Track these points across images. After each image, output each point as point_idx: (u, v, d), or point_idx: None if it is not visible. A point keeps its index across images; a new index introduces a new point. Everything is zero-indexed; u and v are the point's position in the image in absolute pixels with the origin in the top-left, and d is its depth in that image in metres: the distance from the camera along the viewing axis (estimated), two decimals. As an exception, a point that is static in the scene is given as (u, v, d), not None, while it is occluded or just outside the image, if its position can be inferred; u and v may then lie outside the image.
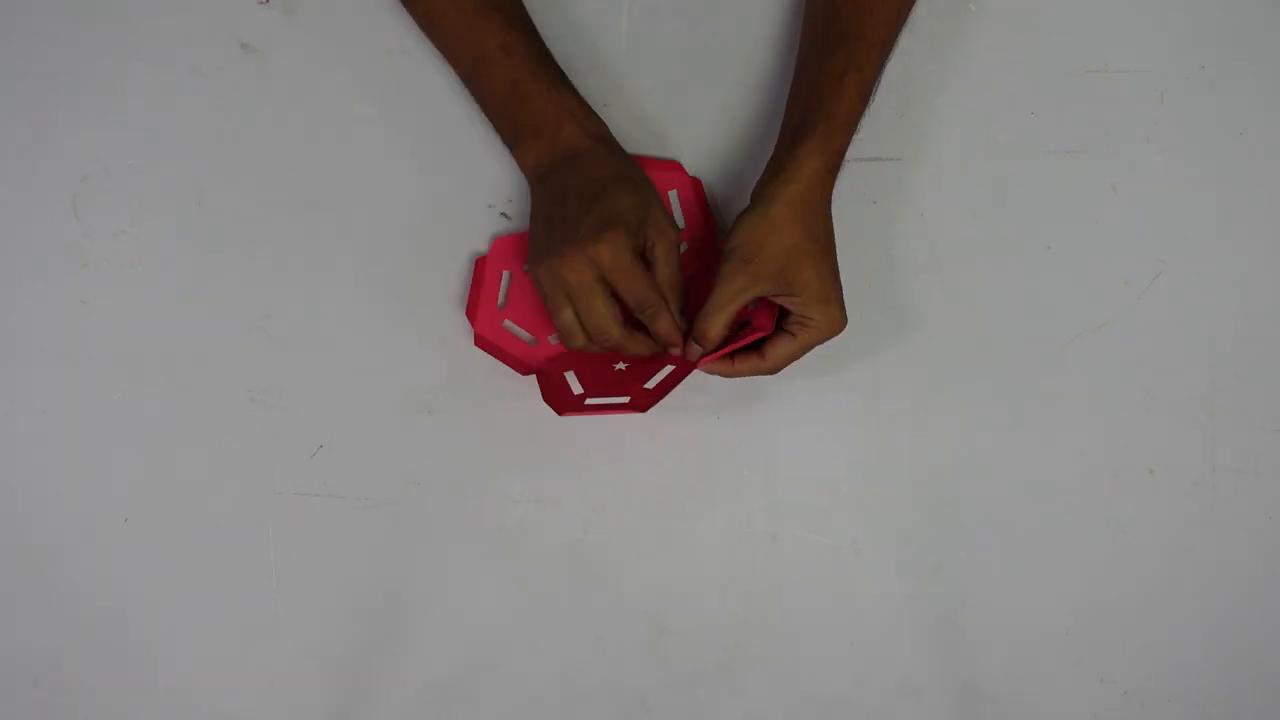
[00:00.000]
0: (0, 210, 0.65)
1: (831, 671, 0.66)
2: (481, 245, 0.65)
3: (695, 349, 0.59)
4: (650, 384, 0.60)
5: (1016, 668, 0.66)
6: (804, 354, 0.59)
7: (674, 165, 0.65)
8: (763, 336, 0.58)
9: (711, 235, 0.64)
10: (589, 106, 0.61)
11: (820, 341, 0.58)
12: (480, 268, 0.64)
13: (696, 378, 0.62)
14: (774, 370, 0.59)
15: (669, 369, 0.60)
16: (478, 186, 0.65)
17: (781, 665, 0.66)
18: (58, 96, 0.65)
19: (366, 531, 0.65)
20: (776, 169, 0.57)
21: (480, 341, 0.64)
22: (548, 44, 0.63)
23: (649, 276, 0.56)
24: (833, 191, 0.58)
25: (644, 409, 0.60)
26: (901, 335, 0.66)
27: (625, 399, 0.60)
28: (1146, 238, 0.67)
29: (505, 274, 0.64)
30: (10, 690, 0.65)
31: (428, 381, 0.66)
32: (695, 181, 0.65)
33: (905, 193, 0.66)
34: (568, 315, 0.56)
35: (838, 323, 0.57)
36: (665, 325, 0.57)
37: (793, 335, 0.58)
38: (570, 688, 0.66)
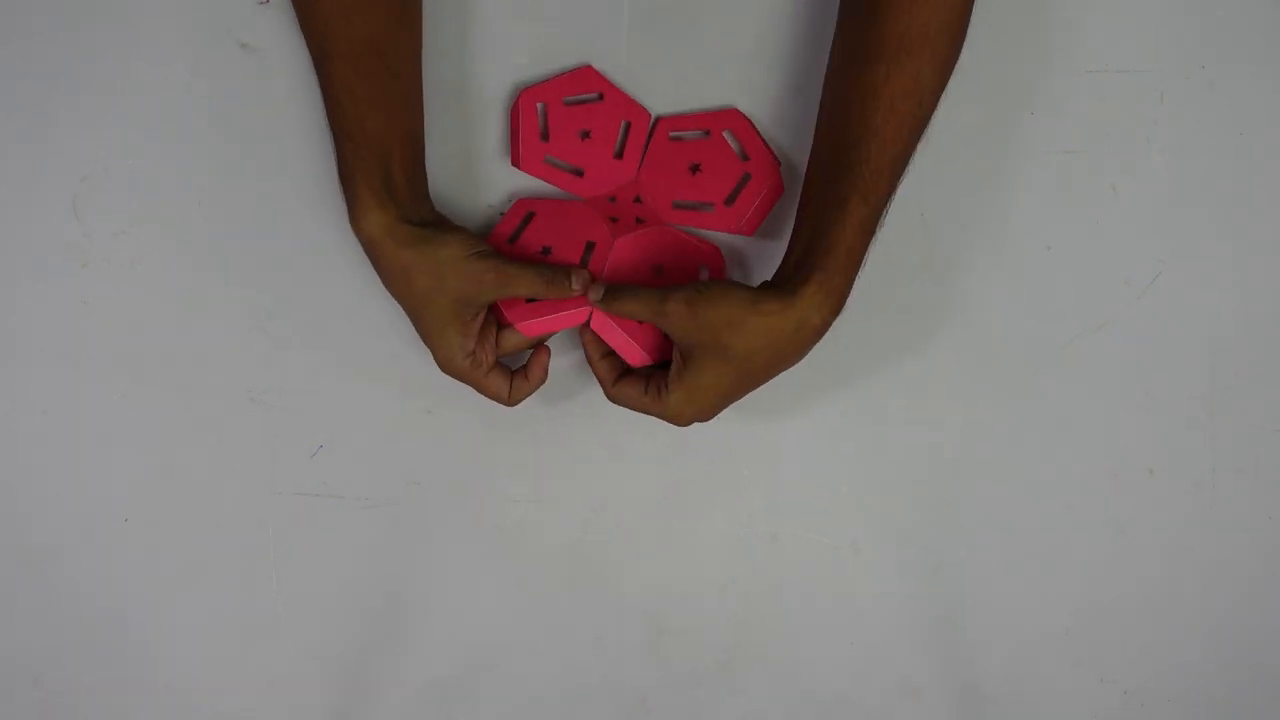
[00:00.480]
0: (0, 210, 0.65)
1: (831, 671, 0.66)
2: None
3: (597, 289, 0.58)
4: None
5: (1016, 668, 0.66)
6: (638, 411, 0.59)
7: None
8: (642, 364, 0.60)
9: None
10: (383, 178, 0.57)
11: (656, 415, 0.58)
12: (515, 115, 0.64)
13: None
14: (611, 395, 0.60)
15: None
16: (477, 187, 0.65)
17: (781, 665, 0.66)
18: (58, 96, 0.65)
19: (366, 531, 0.65)
20: (784, 287, 0.55)
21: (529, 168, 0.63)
22: (547, 43, 0.63)
23: (491, 384, 0.59)
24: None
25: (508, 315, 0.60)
26: (901, 335, 0.66)
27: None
28: (1146, 238, 0.67)
29: (540, 106, 0.64)
30: (10, 690, 0.65)
31: (428, 381, 0.66)
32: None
33: (905, 193, 0.66)
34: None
35: (680, 419, 0.58)
36: (562, 289, 0.58)
37: (643, 391, 0.58)
38: (570, 688, 0.66)
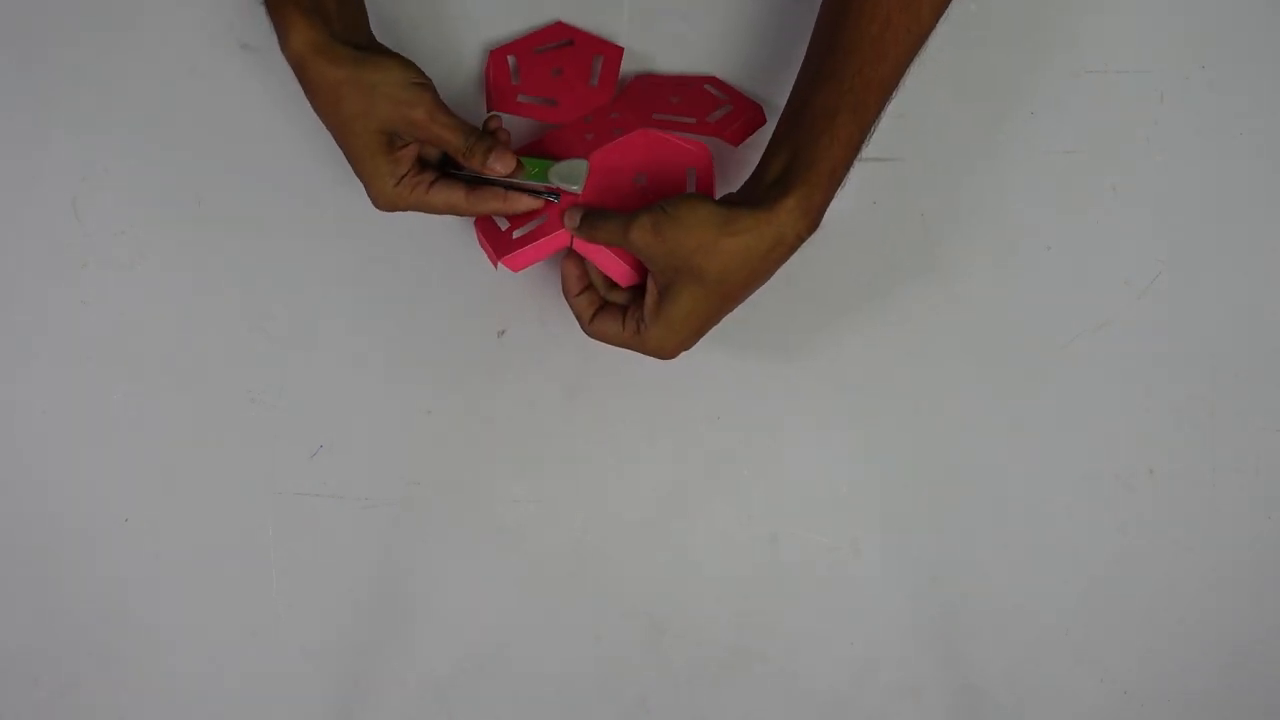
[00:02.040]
0: (0, 210, 0.65)
1: (831, 671, 0.66)
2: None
3: (575, 216, 0.56)
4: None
5: (1016, 668, 0.66)
6: (619, 346, 0.57)
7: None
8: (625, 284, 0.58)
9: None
10: None
11: (637, 350, 0.57)
12: (486, 69, 0.64)
13: (698, 380, 0.62)
14: (590, 330, 0.58)
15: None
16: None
17: (781, 665, 0.66)
18: (58, 96, 0.65)
19: (366, 531, 0.65)
20: (758, 203, 0.52)
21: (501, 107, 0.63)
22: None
23: (441, 195, 0.56)
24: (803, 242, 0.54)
25: (494, 255, 0.58)
26: (901, 335, 0.66)
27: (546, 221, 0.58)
28: (1146, 238, 0.67)
29: (510, 59, 0.64)
30: (10, 690, 0.65)
31: (428, 381, 0.66)
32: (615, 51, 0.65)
33: (905, 193, 0.66)
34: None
35: (661, 351, 0.56)
36: (489, 206, 0.56)
37: (621, 326, 0.57)
38: (570, 688, 0.66)
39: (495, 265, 0.59)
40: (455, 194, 0.57)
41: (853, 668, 0.66)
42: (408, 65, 0.55)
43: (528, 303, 0.66)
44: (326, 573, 0.65)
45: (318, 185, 0.65)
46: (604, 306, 0.59)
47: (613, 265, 0.57)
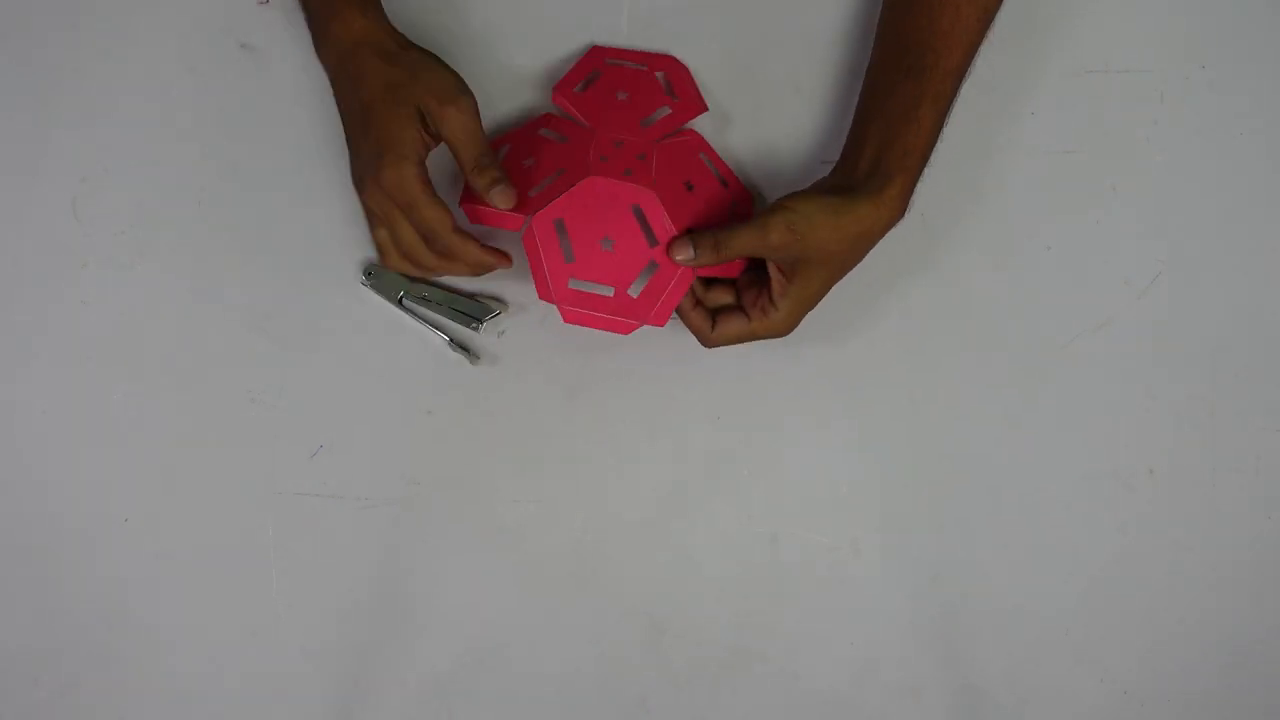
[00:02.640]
0: (0, 210, 0.65)
1: (831, 671, 0.66)
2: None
3: (687, 248, 0.57)
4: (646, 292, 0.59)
5: (1016, 668, 0.66)
6: (742, 341, 0.60)
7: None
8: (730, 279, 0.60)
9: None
10: None
11: (761, 337, 0.60)
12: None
13: (698, 380, 0.62)
14: (711, 341, 0.60)
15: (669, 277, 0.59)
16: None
17: (781, 665, 0.66)
18: (58, 96, 0.65)
19: (366, 531, 0.65)
20: (864, 190, 0.57)
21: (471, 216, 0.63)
22: (546, 45, 0.63)
23: (437, 207, 0.56)
24: None
25: (634, 321, 0.59)
26: (902, 335, 0.66)
27: (611, 293, 0.59)
28: (1146, 238, 0.67)
29: (595, 73, 0.65)
30: (10, 690, 0.65)
31: (428, 381, 0.66)
32: (679, 66, 0.66)
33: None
34: (381, 235, 0.59)
35: (786, 330, 0.59)
36: (461, 255, 0.58)
37: (747, 319, 0.59)
38: (570, 687, 0.66)
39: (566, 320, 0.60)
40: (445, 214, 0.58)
41: (853, 668, 0.66)
42: (455, 74, 0.58)
43: (528, 303, 0.66)
44: (326, 573, 0.65)
45: (318, 185, 0.65)
46: (719, 313, 0.60)
47: (539, 275, 0.59)
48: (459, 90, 0.57)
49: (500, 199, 0.57)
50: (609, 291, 0.59)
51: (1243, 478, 0.66)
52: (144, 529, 0.65)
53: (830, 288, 0.59)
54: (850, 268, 0.59)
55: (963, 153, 0.66)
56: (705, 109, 0.65)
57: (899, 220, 0.58)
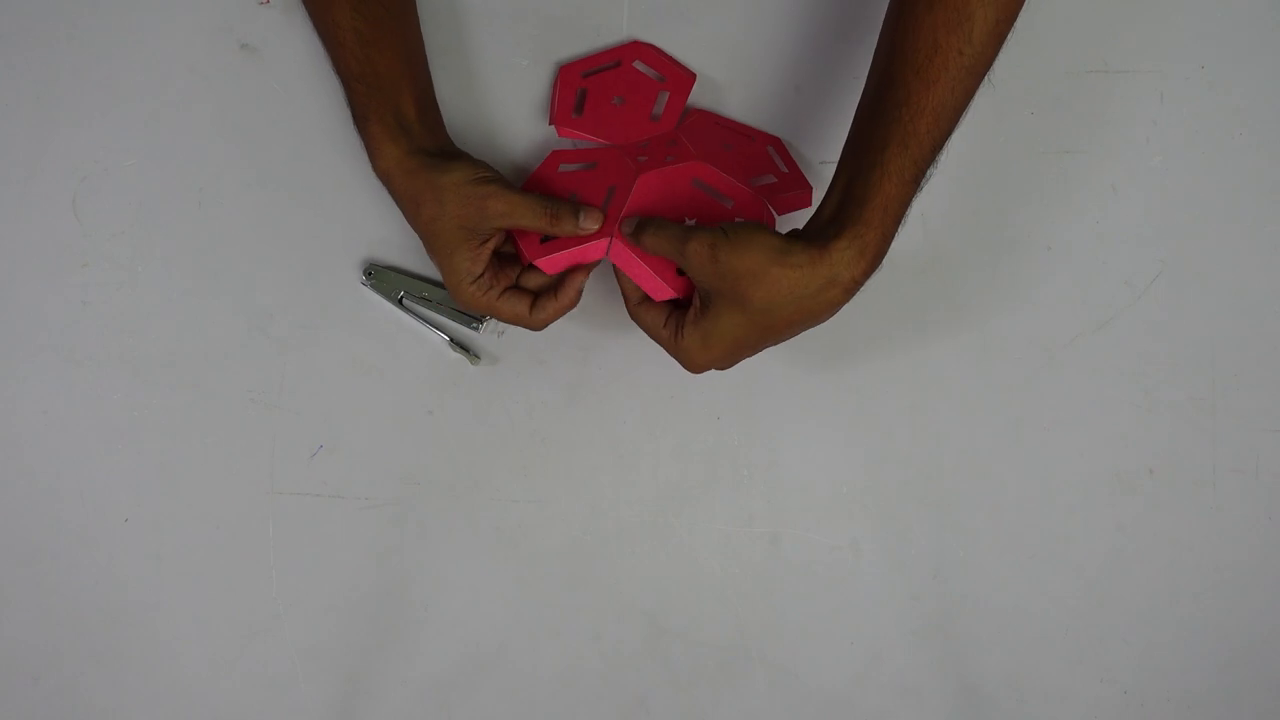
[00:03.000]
0: (0, 210, 0.65)
1: (831, 671, 0.66)
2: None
3: (629, 222, 0.56)
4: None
5: (1016, 668, 0.66)
6: (654, 339, 0.58)
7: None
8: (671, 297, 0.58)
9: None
10: (395, 115, 0.57)
11: (670, 352, 0.57)
12: (555, 87, 0.65)
13: (699, 380, 0.62)
14: (633, 313, 0.59)
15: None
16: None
17: (781, 665, 0.66)
18: (58, 96, 0.65)
19: (366, 531, 0.65)
20: (814, 239, 0.52)
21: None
22: (546, 44, 0.63)
23: (509, 304, 0.58)
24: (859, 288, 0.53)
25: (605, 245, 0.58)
26: (901, 335, 0.66)
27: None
28: (1146, 238, 0.67)
29: (580, 90, 0.65)
30: (10, 689, 0.65)
31: (428, 381, 0.66)
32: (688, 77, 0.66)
33: (905, 193, 0.66)
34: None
35: (690, 363, 0.56)
36: (567, 225, 0.57)
37: (663, 322, 0.57)
38: (570, 688, 0.66)
39: (525, 264, 0.59)
40: (521, 305, 0.58)
41: (853, 667, 0.66)
42: (476, 163, 0.58)
43: (528, 303, 0.66)
44: (326, 573, 0.65)
45: (317, 185, 0.65)
46: (648, 299, 0.59)
47: (649, 281, 0.57)
48: (481, 181, 0.56)
49: (591, 221, 0.57)
50: None
51: (1243, 478, 0.66)
52: (144, 529, 0.65)
53: (752, 341, 0.54)
54: (782, 326, 0.53)
55: (963, 153, 0.66)
56: (694, 76, 0.65)
57: (854, 280, 0.51)
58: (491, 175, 0.57)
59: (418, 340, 0.66)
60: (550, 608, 0.66)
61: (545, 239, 0.58)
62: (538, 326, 0.59)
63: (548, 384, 0.66)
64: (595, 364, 0.66)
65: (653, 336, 0.58)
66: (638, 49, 0.66)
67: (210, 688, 0.65)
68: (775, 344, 0.55)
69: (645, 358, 0.65)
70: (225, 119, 0.65)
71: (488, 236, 0.57)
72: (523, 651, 0.66)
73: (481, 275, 0.57)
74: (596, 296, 0.65)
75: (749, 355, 0.56)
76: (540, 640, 0.66)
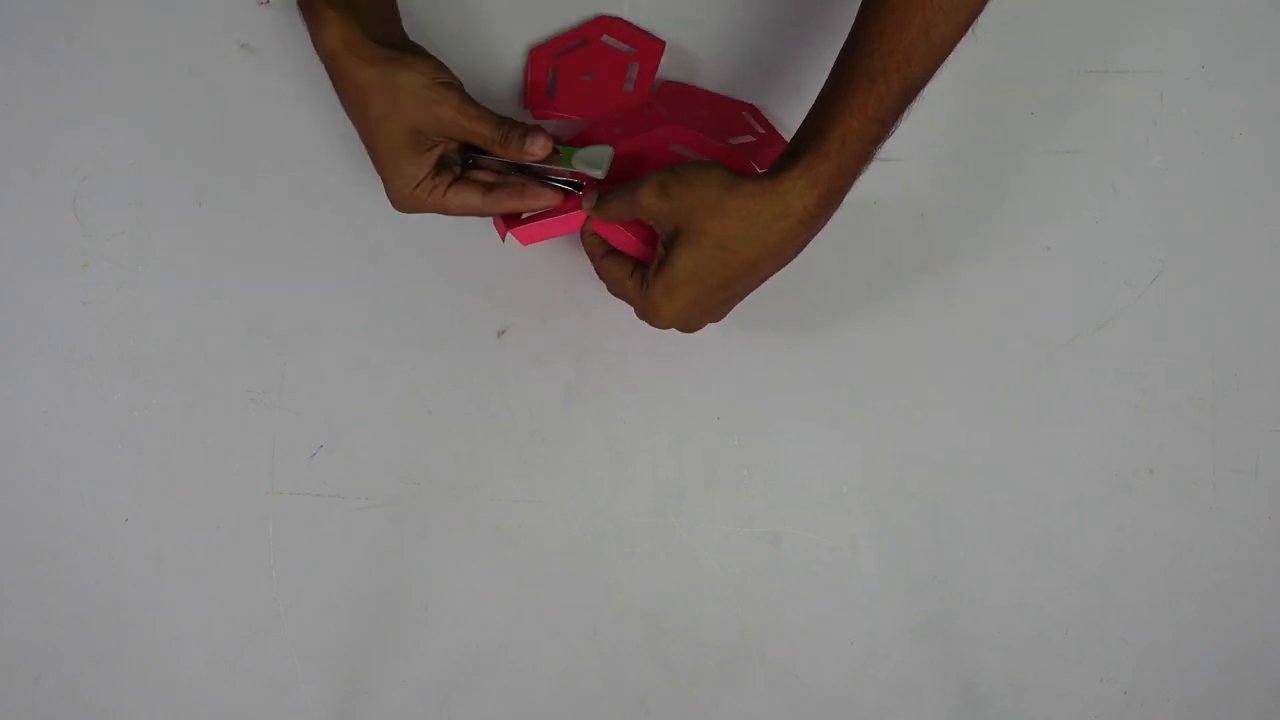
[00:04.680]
0: (0, 210, 0.65)
1: (831, 671, 0.66)
2: (487, 245, 0.65)
3: (590, 198, 0.56)
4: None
5: (1016, 667, 0.66)
6: (620, 296, 0.57)
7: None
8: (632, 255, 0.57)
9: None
10: None
11: (637, 309, 0.56)
12: (527, 71, 0.64)
13: (698, 380, 0.62)
14: (599, 267, 0.58)
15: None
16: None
17: (781, 665, 0.66)
18: (58, 96, 0.65)
19: (366, 531, 0.65)
20: (770, 172, 0.51)
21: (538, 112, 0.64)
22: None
23: (459, 195, 0.56)
24: (822, 226, 0.52)
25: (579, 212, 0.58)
26: (901, 335, 0.66)
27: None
28: (1146, 238, 0.67)
29: (551, 70, 0.64)
30: (10, 689, 0.65)
31: (428, 381, 0.66)
32: (654, 46, 0.65)
33: (905, 193, 0.66)
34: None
35: (657, 319, 0.55)
36: (514, 147, 0.55)
37: (629, 274, 0.56)
38: (570, 688, 0.66)
39: (504, 238, 0.59)
40: (472, 195, 0.57)
41: (852, 667, 0.66)
42: (436, 64, 0.55)
43: (528, 303, 0.66)
44: (326, 573, 0.65)
45: (317, 185, 0.65)
46: (612, 251, 0.58)
47: (630, 245, 0.57)
48: (440, 86, 0.54)
49: (537, 147, 0.55)
50: None
51: (1243, 478, 0.66)
52: (144, 529, 0.65)
53: (716, 281, 0.52)
54: (746, 268, 0.52)
55: (963, 153, 0.66)
56: (663, 42, 0.65)
57: (806, 210, 0.50)
58: (452, 80, 0.55)
59: (418, 339, 0.66)
60: (550, 608, 0.66)
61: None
62: (493, 212, 0.57)
63: (547, 384, 0.66)
64: (595, 363, 0.66)
65: (618, 292, 0.57)
66: (603, 23, 0.65)
67: (210, 688, 0.65)
68: (741, 292, 0.54)
69: (645, 358, 0.65)
70: (225, 119, 0.65)
71: (434, 144, 0.55)
72: (523, 651, 0.66)
73: (425, 177, 0.55)
74: (597, 297, 0.65)
75: (715, 310, 0.55)
76: (540, 640, 0.66)
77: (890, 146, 0.65)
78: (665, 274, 0.53)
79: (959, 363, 0.66)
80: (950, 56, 0.64)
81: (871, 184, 0.64)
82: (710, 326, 0.58)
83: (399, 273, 0.65)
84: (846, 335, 0.66)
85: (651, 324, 0.56)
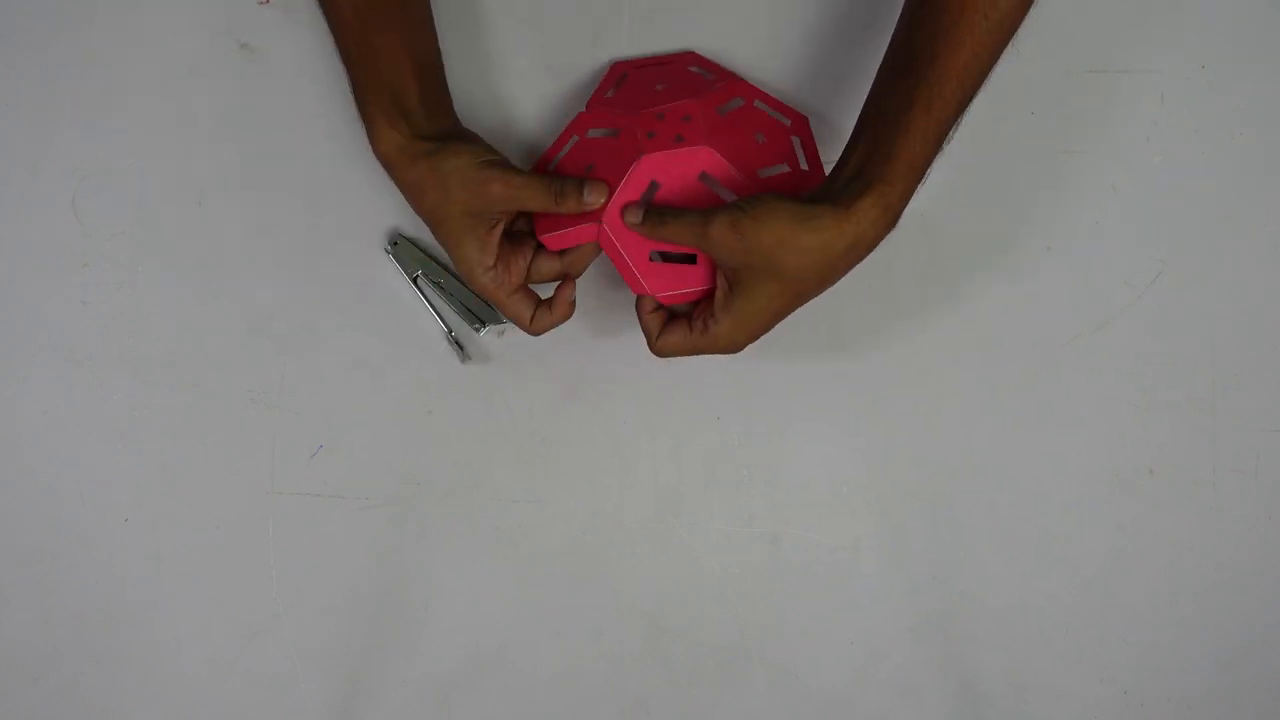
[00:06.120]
0: (0, 210, 0.65)
1: (831, 671, 0.66)
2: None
3: (637, 213, 0.55)
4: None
5: (1016, 667, 0.66)
6: (687, 354, 0.57)
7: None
8: (696, 293, 0.57)
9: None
10: (394, 98, 0.56)
11: (704, 351, 0.57)
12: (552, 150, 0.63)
13: (699, 380, 0.62)
14: (657, 349, 0.58)
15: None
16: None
17: (781, 665, 0.66)
18: (58, 96, 0.65)
19: (366, 531, 0.65)
20: (837, 199, 0.52)
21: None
22: (546, 46, 0.63)
23: (515, 304, 0.58)
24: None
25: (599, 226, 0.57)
26: (902, 335, 0.66)
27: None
28: (1146, 238, 0.67)
29: (622, 74, 0.63)
30: (10, 689, 0.65)
31: (428, 381, 0.66)
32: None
33: (905, 193, 0.66)
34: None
35: (730, 346, 0.56)
36: (572, 202, 0.56)
37: (689, 332, 0.57)
38: (570, 688, 0.66)
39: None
40: (525, 309, 0.59)
41: (853, 667, 0.66)
42: (479, 146, 0.57)
43: (528, 303, 0.66)
44: (326, 573, 0.65)
45: (317, 185, 0.65)
46: (669, 321, 0.58)
47: (627, 273, 0.57)
48: (484, 165, 0.55)
49: (596, 195, 0.56)
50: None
51: (1243, 478, 0.66)
52: (144, 529, 0.65)
53: (786, 308, 0.54)
54: (812, 289, 0.54)
55: (963, 153, 0.66)
56: (746, 83, 0.62)
57: (877, 237, 0.52)
58: (495, 159, 0.56)
59: (419, 341, 0.66)
60: (550, 608, 0.66)
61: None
62: (535, 333, 0.60)
63: (548, 384, 0.66)
64: (595, 364, 0.66)
65: (685, 353, 0.58)
66: (693, 57, 0.65)
67: (210, 688, 0.65)
68: (801, 306, 0.55)
69: (645, 358, 0.65)
70: (225, 119, 0.65)
71: (495, 221, 0.56)
72: (523, 651, 0.66)
73: (494, 266, 0.57)
74: (597, 297, 0.65)
75: (779, 322, 0.56)
76: (540, 640, 0.66)
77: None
78: (736, 309, 0.54)
79: (959, 363, 0.66)
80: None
81: (871, 184, 0.65)
82: None
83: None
84: (846, 335, 0.66)
85: (725, 352, 0.56)
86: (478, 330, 0.64)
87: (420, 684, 0.65)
